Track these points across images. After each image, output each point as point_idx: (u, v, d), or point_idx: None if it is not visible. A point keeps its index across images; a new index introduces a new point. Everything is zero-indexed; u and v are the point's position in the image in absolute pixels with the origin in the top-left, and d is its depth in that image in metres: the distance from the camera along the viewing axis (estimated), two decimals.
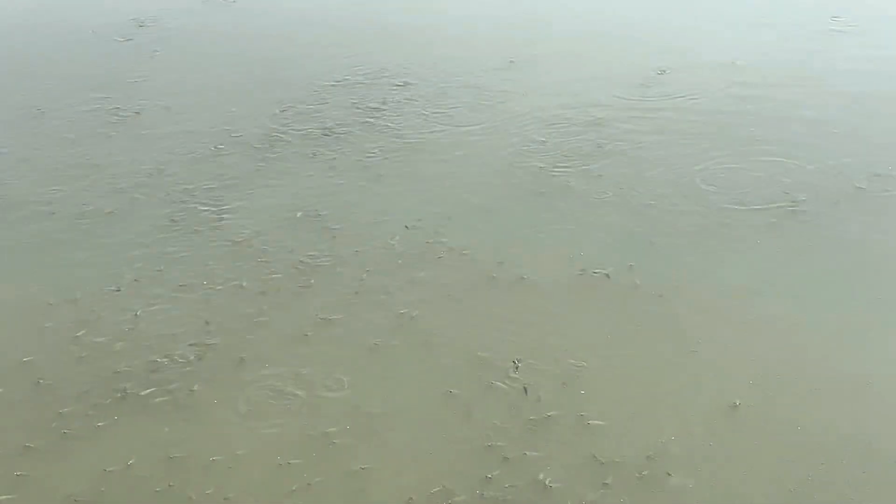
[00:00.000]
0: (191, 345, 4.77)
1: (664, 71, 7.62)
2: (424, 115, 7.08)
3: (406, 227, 5.66)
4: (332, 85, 7.68)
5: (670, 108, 7.04)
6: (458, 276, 5.22)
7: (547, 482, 3.98)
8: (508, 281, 5.17)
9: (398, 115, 7.09)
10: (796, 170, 6.11)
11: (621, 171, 6.21)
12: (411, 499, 3.93)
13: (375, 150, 6.57)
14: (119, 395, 4.47)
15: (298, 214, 5.84)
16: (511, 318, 4.88)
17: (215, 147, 6.74)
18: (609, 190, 5.97)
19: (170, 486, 4.02)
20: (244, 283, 5.22)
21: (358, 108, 7.23)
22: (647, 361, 4.57)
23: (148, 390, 4.50)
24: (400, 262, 5.35)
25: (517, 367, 4.50)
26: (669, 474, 3.98)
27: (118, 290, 5.18)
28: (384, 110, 7.17)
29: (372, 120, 7.03)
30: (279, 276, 5.26)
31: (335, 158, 6.52)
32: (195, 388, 4.51)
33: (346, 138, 6.77)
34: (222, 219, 5.85)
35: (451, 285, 5.14)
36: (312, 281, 5.20)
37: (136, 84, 7.87)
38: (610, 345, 4.68)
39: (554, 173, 6.18)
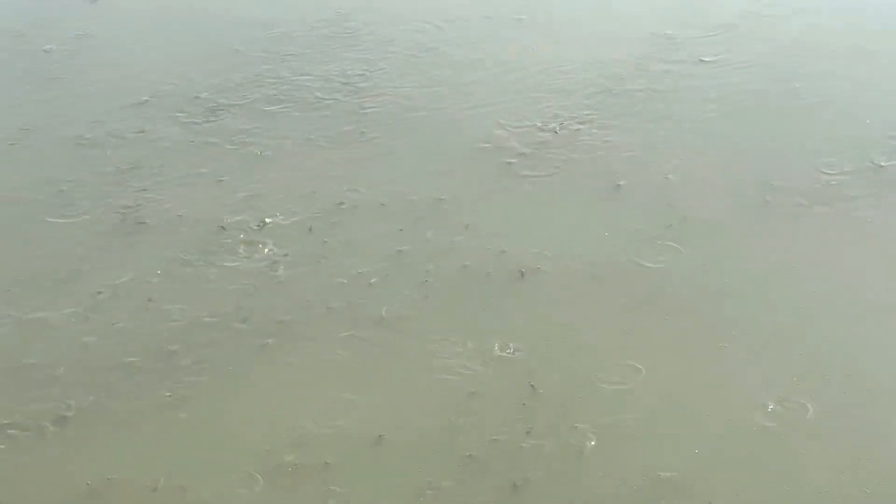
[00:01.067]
0: (136, 357, 4.05)
1: (675, 32, 6.77)
2: (411, 80, 6.24)
3: (381, 204, 4.90)
4: (307, 41, 6.82)
5: (688, 69, 6.19)
6: (450, 270, 4.45)
7: None
8: (509, 275, 4.41)
9: (377, 81, 6.24)
10: (839, 136, 5.35)
11: (637, 143, 5.38)
12: None
13: (350, 124, 5.74)
14: (64, 410, 3.80)
15: (239, 195, 5.06)
16: (512, 315, 4.17)
17: (166, 117, 5.91)
18: (624, 166, 5.15)
19: None
20: (199, 286, 4.45)
21: (334, 73, 6.37)
22: (671, 361, 3.89)
23: (90, 406, 3.83)
24: (379, 255, 4.58)
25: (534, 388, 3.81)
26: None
27: (56, 297, 4.41)
28: (364, 74, 6.33)
29: (349, 85, 6.20)
30: (242, 273, 4.49)
31: (311, 131, 5.69)
32: (143, 404, 3.84)
33: (326, 107, 5.92)
34: (173, 211, 5.00)
35: (441, 280, 4.39)
36: (281, 279, 4.44)
37: (75, 38, 7.04)
38: (628, 344, 3.99)
39: (560, 149, 5.34)
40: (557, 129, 5.54)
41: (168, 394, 3.86)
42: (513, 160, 5.28)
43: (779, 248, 4.52)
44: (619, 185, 5.02)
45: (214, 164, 5.39)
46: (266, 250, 4.65)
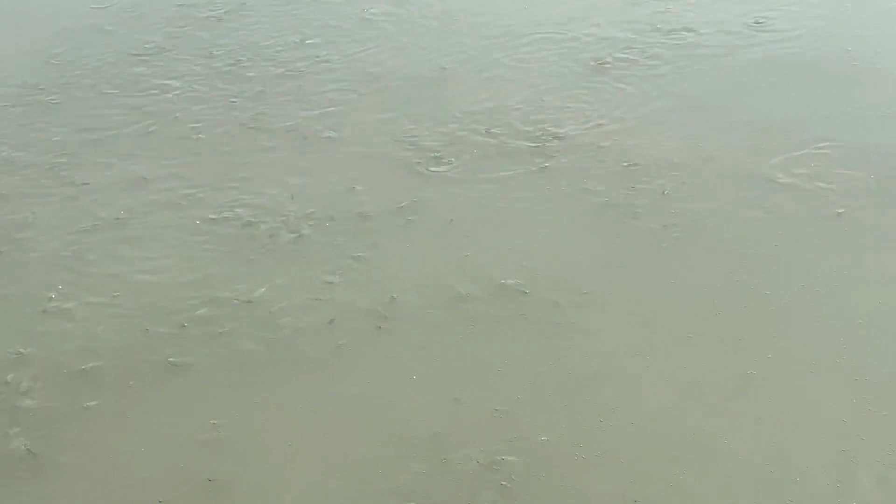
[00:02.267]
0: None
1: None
2: (366, 55, 5.47)
3: (330, 217, 4.16)
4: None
5: (677, 50, 5.35)
6: (411, 290, 3.73)
7: None
8: (497, 300, 3.68)
9: (325, 59, 5.43)
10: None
11: (644, 134, 4.61)
12: None
13: (298, 118, 4.93)
14: None
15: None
16: (495, 353, 3.46)
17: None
18: (630, 163, 4.39)
19: None
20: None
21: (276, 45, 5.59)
22: (696, 394, 3.22)
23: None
24: (318, 269, 3.87)
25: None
26: None
27: None
28: (315, 52, 5.51)
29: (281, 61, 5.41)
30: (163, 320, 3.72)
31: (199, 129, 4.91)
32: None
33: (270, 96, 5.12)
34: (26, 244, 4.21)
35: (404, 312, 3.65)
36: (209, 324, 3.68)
37: None
38: (645, 386, 3.28)
39: (555, 147, 4.55)
40: (551, 121, 4.74)
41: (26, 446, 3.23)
42: (498, 157, 4.53)
43: (814, 259, 3.79)
44: (631, 188, 4.24)
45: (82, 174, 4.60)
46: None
